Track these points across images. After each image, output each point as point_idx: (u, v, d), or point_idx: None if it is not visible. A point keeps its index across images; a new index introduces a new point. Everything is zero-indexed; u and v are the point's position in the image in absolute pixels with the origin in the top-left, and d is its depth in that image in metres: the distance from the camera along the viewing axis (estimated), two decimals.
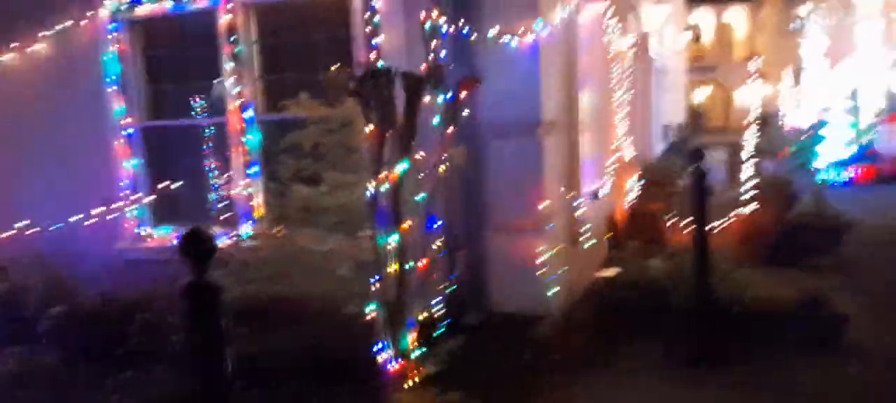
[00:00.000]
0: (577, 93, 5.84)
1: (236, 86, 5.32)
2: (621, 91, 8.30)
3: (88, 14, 5.60)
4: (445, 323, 4.58)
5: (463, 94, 3.22)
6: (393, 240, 3.03)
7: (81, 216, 5.60)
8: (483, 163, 4.77)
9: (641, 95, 10.67)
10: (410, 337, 3.23)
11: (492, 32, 4.55)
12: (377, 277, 3.11)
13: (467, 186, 4.78)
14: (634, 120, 9.48)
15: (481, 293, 4.82)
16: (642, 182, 8.82)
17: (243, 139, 5.36)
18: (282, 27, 5.32)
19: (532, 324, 4.69)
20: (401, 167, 2.94)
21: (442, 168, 3.29)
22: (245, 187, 5.39)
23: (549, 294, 4.69)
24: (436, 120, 3.28)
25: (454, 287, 4.79)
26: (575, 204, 5.58)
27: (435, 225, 3.29)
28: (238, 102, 5.33)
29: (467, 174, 4.76)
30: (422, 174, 3.30)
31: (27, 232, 5.76)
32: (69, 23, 5.67)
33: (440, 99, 3.23)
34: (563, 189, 5.35)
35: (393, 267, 3.05)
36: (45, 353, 4.65)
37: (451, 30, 4.47)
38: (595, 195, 6.92)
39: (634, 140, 9.20)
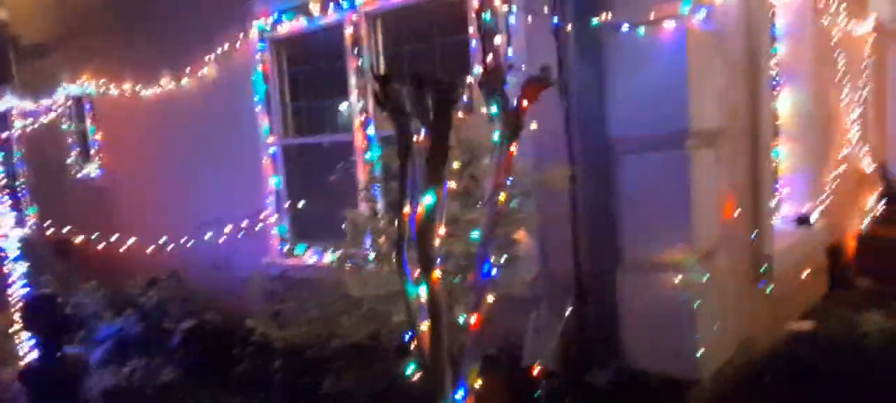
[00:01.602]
0: (766, 93, 4.56)
1: (360, 101, 5.04)
2: (855, 87, 6.53)
3: (240, 35, 5.77)
4: (560, 381, 3.80)
5: (525, 103, 2.45)
6: (422, 292, 2.38)
7: (229, 228, 5.82)
8: (613, 186, 3.85)
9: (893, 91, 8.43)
10: None
11: (623, 23, 3.64)
12: (410, 334, 2.49)
13: (593, 214, 3.90)
14: (880, 122, 7.46)
15: (611, 346, 3.90)
16: (885, 200, 6.87)
17: (365, 157, 5.05)
18: (403, 36, 4.92)
19: (677, 391, 3.65)
20: (427, 200, 2.29)
21: (501, 197, 2.55)
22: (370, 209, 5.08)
23: (699, 354, 3.61)
24: (495, 136, 2.56)
25: (578, 337, 3.96)
26: (755, 233, 4.33)
27: (492, 272, 2.56)
28: (362, 118, 5.04)
29: (593, 199, 3.89)
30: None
31: (188, 244, 6.15)
32: (226, 45, 5.92)
33: (497, 107, 2.49)
34: (734, 215, 4.16)
35: (425, 325, 2.40)
36: (173, 367, 4.78)
37: (566, 23, 3.67)
38: (803, 220, 5.45)
39: (877, 148, 7.23)
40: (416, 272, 2.43)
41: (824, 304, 5.17)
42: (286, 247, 5.78)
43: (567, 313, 3.94)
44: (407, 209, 2.39)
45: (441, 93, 2.20)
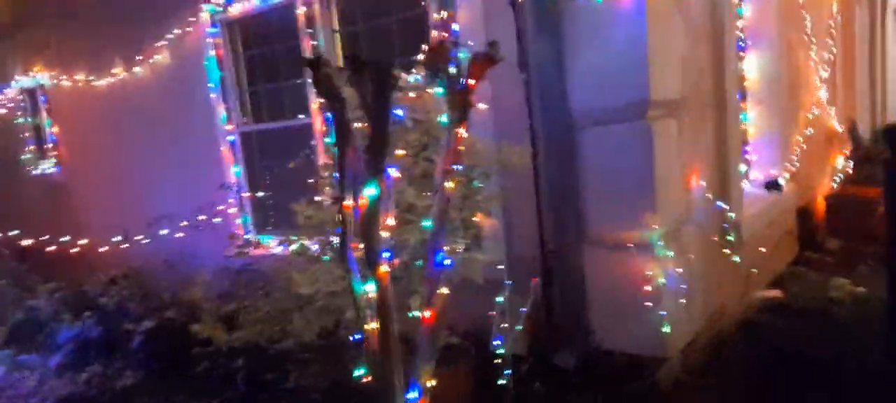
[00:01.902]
0: (731, 57, 4.46)
1: None
2: (822, 47, 6.47)
3: (191, 19, 5.54)
4: (529, 365, 3.72)
5: (472, 82, 2.31)
6: (370, 289, 2.26)
7: (186, 223, 5.64)
8: (576, 161, 3.74)
9: (867, 48, 8.39)
10: None
11: None
12: (358, 336, 2.38)
13: (557, 191, 3.79)
14: (848, 82, 7.43)
15: (578, 326, 3.82)
16: (855, 160, 6.86)
17: (325, 141, 4.88)
18: (359, 14, 4.72)
19: (644, 370, 3.58)
20: (369, 191, 2.16)
21: (450, 184, 2.42)
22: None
23: (666, 330, 3.54)
24: (443, 117, 2.42)
25: (546, 319, 3.87)
26: (722, 203, 4.26)
27: (445, 262, 2.44)
28: (319, 101, 4.86)
29: (556, 176, 3.78)
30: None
31: (144, 241, 5.96)
32: (178, 30, 5.69)
33: (445, 87, 2.34)
34: (699, 185, 4.08)
35: (373, 325, 2.28)
36: (133, 370, 4.62)
37: None
38: (773, 184, 5.39)
39: (846, 107, 7.20)
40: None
41: (794, 269, 5.14)
42: (251, 239, 5.62)
43: (533, 294, 3.85)
44: (348, 201, 2.26)
45: (377, 76, 2.06)
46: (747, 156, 5.58)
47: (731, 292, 4.30)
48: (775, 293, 4.39)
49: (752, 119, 5.61)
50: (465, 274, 3.22)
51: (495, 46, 2.31)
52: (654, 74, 3.42)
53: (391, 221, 2.46)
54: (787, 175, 5.56)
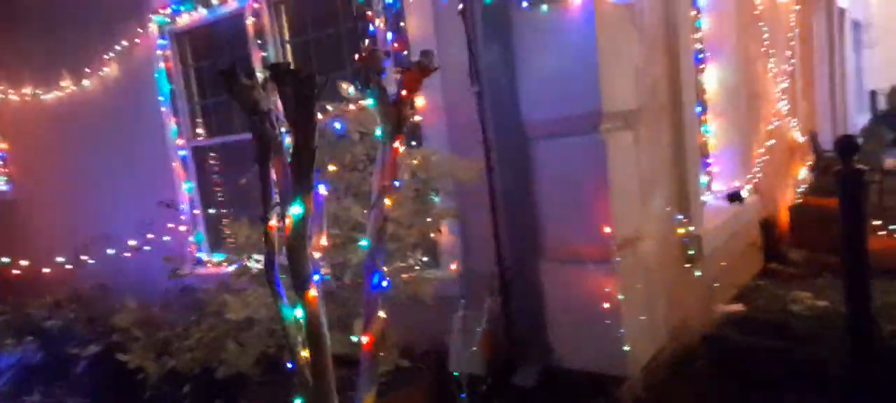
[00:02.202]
0: (688, 68, 4.41)
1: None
2: (782, 58, 6.50)
3: (139, 30, 5.36)
4: (486, 385, 3.59)
5: (405, 93, 2.19)
6: (299, 314, 2.12)
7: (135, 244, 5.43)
8: (530, 174, 3.64)
9: (826, 58, 8.49)
10: None
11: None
12: (290, 365, 2.23)
13: (512, 205, 3.69)
14: (808, 93, 7.49)
15: (537, 344, 3.70)
16: (816, 171, 6.89)
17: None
18: (308, 23, 4.59)
19: (605, 388, 3.48)
20: (294, 210, 2.02)
21: (388, 201, 2.29)
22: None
23: (626, 348, 3.44)
24: (378, 131, 2.30)
25: (504, 337, 3.76)
26: (681, 216, 4.19)
27: (383, 283, 2.31)
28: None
29: (511, 189, 3.68)
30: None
31: (90, 262, 5.72)
32: (126, 42, 5.50)
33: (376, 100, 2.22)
34: (658, 199, 4.01)
35: (304, 352, 2.14)
36: (77, 398, 4.40)
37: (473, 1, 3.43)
38: (735, 196, 5.35)
39: (807, 118, 7.24)
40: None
41: (757, 281, 5.10)
42: (203, 257, 5.43)
43: (490, 311, 3.73)
44: (274, 221, 2.12)
45: (297, 87, 1.93)
46: (709, 168, 5.55)
47: (693, 306, 4.23)
48: (737, 306, 4.33)
49: (714, 131, 5.58)
50: (414, 292, 3.08)
51: (429, 56, 2.19)
52: (605, 85, 3.34)
53: (324, 241, 2.34)
54: (749, 187, 5.53)
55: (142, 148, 5.58)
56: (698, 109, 5.39)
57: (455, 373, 3.48)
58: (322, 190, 2.22)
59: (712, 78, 5.49)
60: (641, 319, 3.55)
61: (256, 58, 4.68)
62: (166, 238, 5.30)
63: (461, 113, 3.78)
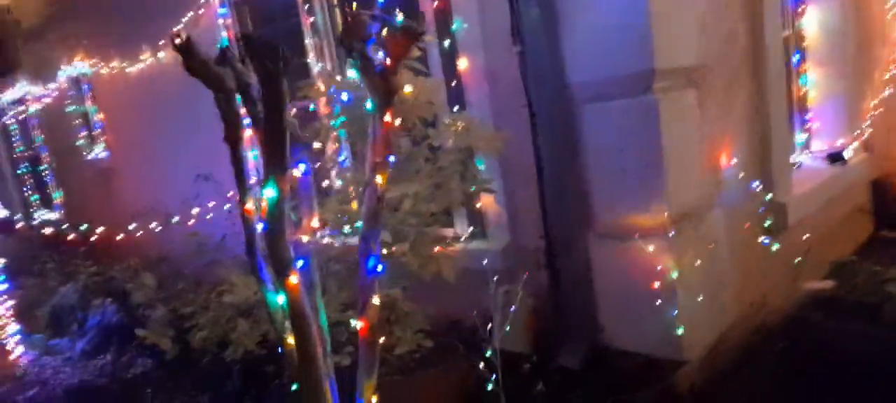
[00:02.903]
0: (773, 15, 3.86)
1: (318, 62, 4.61)
2: None
3: (202, 1, 5.42)
4: (530, 365, 3.38)
5: (391, 62, 1.97)
6: (281, 300, 2.00)
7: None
8: (577, 139, 3.32)
9: None
10: None
11: None
12: (279, 350, 2.13)
13: (560, 174, 3.39)
14: None
15: (586, 322, 3.42)
16: None
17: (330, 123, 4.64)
18: None
19: (658, 373, 3.17)
20: (268, 193, 1.88)
21: (380, 178, 2.10)
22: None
23: (679, 330, 3.10)
24: (368, 104, 2.10)
25: (551, 315, 3.51)
26: (759, 183, 3.71)
27: (378, 268, 2.14)
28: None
29: (559, 157, 3.37)
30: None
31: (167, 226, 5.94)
32: (192, 13, 5.58)
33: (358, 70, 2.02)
34: (730, 163, 3.56)
35: (290, 339, 2.03)
36: (146, 359, 4.60)
37: None
38: (836, 157, 4.73)
39: None
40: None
41: (861, 253, 4.48)
42: None
43: (536, 286, 3.49)
44: (250, 205, 1.99)
45: (261, 61, 1.77)
46: (808, 125, 4.93)
47: (773, 284, 3.77)
48: (826, 284, 3.80)
49: (814, 82, 4.92)
50: (436, 271, 2.91)
51: (419, 19, 1.96)
52: (660, 39, 2.94)
53: (315, 223, 2.19)
54: (855, 144, 4.86)
55: (214, 117, 5.67)
56: (796, 58, 4.78)
57: (491, 352, 3.30)
58: (302, 168, 2.07)
59: (813, 21, 4.82)
60: (700, 299, 3.18)
61: (306, 23, 4.58)
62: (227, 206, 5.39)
63: (504, 75, 3.50)
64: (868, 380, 2.88)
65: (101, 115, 7.74)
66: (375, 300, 2.16)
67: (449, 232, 3.89)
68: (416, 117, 3.19)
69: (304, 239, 2.12)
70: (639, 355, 3.27)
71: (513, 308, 3.27)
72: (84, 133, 8.18)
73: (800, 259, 3.81)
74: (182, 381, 4.05)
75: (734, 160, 3.57)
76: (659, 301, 3.12)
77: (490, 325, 3.51)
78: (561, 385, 3.29)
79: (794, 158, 4.57)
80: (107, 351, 4.86)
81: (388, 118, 2.07)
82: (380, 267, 2.15)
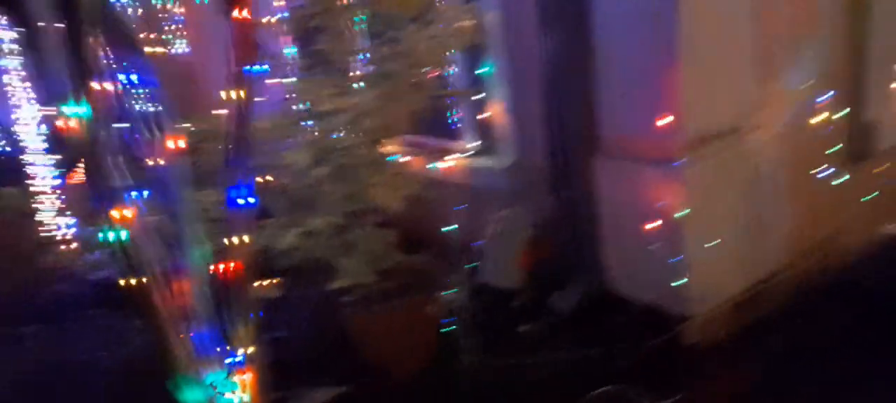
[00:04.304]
0: None
1: None
2: None
3: None
4: (521, 303, 2.97)
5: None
6: (111, 237, 1.71)
7: None
8: (588, 41, 2.68)
9: None
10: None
11: None
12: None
13: (563, 77, 2.79)
14: None
15: (587, 260, 2.89)
16: None
17: None
18: None
19: (660, 325, 2.61)
20: (74, 110, 1.56)
21: (241, 93, 1.70)
22: None
23: (683, 279, 2.50)
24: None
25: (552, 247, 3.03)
26: (831, 94, 2.88)
27: (244, 200, 1.79)
28: None
29: (567, 59, 2.76)
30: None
31: None
32: None
33: None
34: (795, 71, 2.75)
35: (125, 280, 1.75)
36: None
37: None
38: None
39: None
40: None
41: None
42: None
43: (536, 214, 3.02)
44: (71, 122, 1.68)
45: None
46: None
47: (841, 224, 2.99)
48: None
49: None
50: (379, 200, 2.51)
51: None
52: None
53: (181, 143, 1.86)
54: None
55: None
56: None
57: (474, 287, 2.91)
58: (120, 79, 1.70)
59: None
60: (717, 243, 2.54)
61: None
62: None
63: None
64: None
65: (183, 9, 7.77)
66: (245, 238, 1.83)
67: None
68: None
69: (161, 161, 1.81)
70: (640, 304, 2.71)
71: (520, 235, 2.86)
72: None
73: (876, 193, 2.97)
74: None
75: (801, 66, 2.75)
76: (663, 242, 2.52)
77: (487, 254, 3.14)
78: (548, 331, 2.83)
79: None
80: None
81: (239, 14, 1.65)
82: (252, 200, 1.81)
